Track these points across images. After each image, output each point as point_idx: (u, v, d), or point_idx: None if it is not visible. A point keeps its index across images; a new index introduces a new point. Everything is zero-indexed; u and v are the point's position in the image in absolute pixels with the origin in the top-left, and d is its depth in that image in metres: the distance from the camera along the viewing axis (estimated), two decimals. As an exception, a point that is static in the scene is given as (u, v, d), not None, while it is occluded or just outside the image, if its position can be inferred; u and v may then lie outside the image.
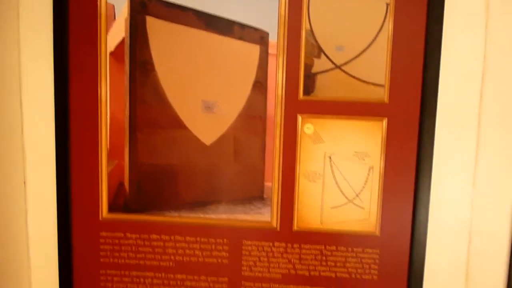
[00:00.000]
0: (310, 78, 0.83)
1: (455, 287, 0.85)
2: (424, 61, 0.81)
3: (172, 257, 0.89)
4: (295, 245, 0.86)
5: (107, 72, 0.85)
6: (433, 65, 0.80)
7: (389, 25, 0.81)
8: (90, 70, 0.85)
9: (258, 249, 0.87)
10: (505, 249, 0.83)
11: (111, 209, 0.88)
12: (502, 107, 0.81)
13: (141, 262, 0.89)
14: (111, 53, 0.85)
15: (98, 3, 0.83)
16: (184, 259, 0.88)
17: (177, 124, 0.85)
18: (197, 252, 0.88)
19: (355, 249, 0.86)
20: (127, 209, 0.88)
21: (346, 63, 0.82)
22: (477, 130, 0.82)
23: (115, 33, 0.84)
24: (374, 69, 0.82)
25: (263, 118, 0.84)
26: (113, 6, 0.84)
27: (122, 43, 0.84)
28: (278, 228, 0.86)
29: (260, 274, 0.87)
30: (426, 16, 0.80)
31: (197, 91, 0.85)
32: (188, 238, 0.88)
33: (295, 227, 0.86)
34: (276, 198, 0.85)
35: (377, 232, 0.85)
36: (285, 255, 0.87)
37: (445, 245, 0.84)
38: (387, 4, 0.81)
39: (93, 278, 0.90)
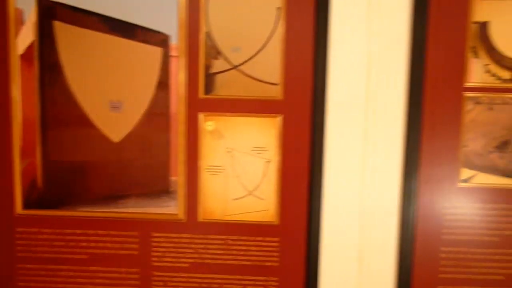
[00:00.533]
0: (210, 78, 0.89)
1: (348, 269, 0.91)
2: (313, 60, 0.87)
3: (85, 250, 0.93)
4: (201, 236, 0.92)
5: (18, 73, 0.89)
6: (322, 64, 0.87)
7: (281, 27, 0.87)
8: (1, 72, 0.89)
9: (166, 241, 0.92)
10: (393, 233, 0.90)
11: (26, 205, 0.92)
12: (385, 101, 0.88)
13: (56, 255, 0.93)
14: (22, 56, 0.89)
15: (7, 8, 0.88)
16: (97, 251, 0.93)
17: (86, 123, 0.90)
18: (108, 244, 0.93)
19: (256, 238, 0.91)
20: (41, 205, 0.92)
21: (242, 64, 0.88)
22: (364, 123, 0.88)
23: (24, 36, 0.88)
24: (269, 68, 0.88)
25: (167, 116, 0.90)
26: (22, 10, 0.88)
27: (31, 46, 0.89)
28: (185, 220, 0.91)
29: (169, 264, 0.92)
30: (314, 19, 0.86)
31: (105, 92, 0.89)
32: (100, 232, 0.93)
33: (200, 219, 0.91)
34: (181, 191, 0.91)
35: (277, 222, 0.90)
36: (192, 246, 0.92)
37: (339, 231, 0.90)
38: (278, 8, 0.87)
39: (10, 272, 0.94)
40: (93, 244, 0.92)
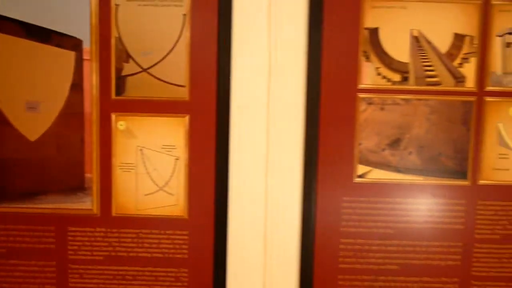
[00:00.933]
0: (121, 80, 0.94)
1: (255, 260, 0.96)
2: (217, 63, 0.93)
3: (4, 244, 0.97)
4: (114, 230, 0.97)
5: None
6: (225, 67, 0.93)
7: (187, 33, 0.93)
8: None
9: (82, 235, 0.97)
10: (295, 226, 0.96)
11: None
12: (285, 102, 0.94)
13: (-23, 250, 0.98)
14: None
15: None
16: (16, 245, 0.97)
17: (4, 122, 0.95)
18: (27, 239, 0.97)
19: (167, 232, 0.97)
20: (-38, 201, 0.96)
21: (151, 67, 0.94)
22: (266, 123, 0.94)
23: None
24: (176, 71, 0.94)
25: (81, 116, 0.95)
26: None
27: (-49, 50, 0.93)
28: (99, 215, 0.96)
29: (84, 257, 0.97)
30: (218, 25, 0.92)
31: (21, 93, 0.94)
32: (19, 227, 0.97)
33: (113, 213, 0.96)
34: (95, 187, 0.96)
35: (186, 216, 0.96)
36: (106, 239, 0.97)
37: (245, 225, 0.96)
38: (184, 15, 0.93)
39: None
40: (11, 239, 0.97)
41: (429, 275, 0.97)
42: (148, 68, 0.93)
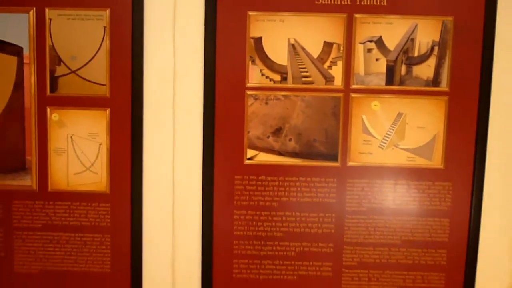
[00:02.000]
0: (54, 80, 1.16)
1: (165, 223, 1.18)
2: (132, 67, 1.15)
3: (-38, 214, 1.20)
4: (50, 203, 1.19)
5: None
6: (138, 69, 1.15)
7: (107, 41, 1.15)
8: None
9: (23, 207, 1.20)
10: (198, 200, 1.17)
11: None
12: (188, 100, 1.16)
13: None
14: None
15: None
16: (-29, 215, 1.20)
17: (-40, 115, 1.17)
18: (-21, 210, 1.20)
19: (93, 204, 1.19)
20: None
21: (78, 69, 1.16)
22: (173, 114, 1.16)
23: None
24: (99, 72, 1.16)
25: (22, 110, 1.18)
26: None
27: None
28: (37, 190, 1.19)
29: (26, 225, 1.20)
30: (131, 35, 1.15)
31: (-26, 91, 1.17)
32: (-27, 200, 1.20)
33: (49, 189, 1.19)
34: (34, 168, 1.18)
35: (108, 191, 1.18)
36: (44, 210, 1.19)
37: (156, 200, 1.18)
38: (104, 27, 1.15)
39: None
40: (-33, 210, 1.20)
41: (308, 240, 1.18)
42: (76, 70, 1.16)
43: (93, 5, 1.13)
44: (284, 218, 1.17)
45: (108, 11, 1.13)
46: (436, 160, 1.15)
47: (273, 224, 1.17)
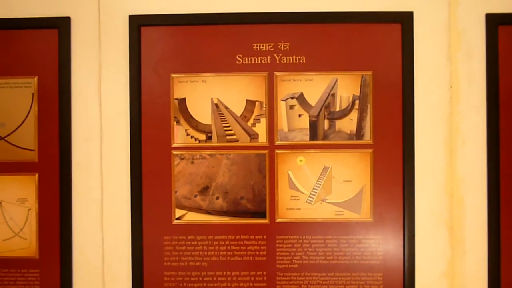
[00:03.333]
0: (-16, 147, 1.18)
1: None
2: (59, 131, 1.16)
3: None
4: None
5: None
6: (66, 133, 1.16)
7: (35, 107, 1.18)
8: None
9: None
10: (128, 262, 1.16)
11: None
12: (116, 161, 1.17)
13: None
14: None
15: None
16: None
17: None
18: None
19: (22, 271, 1.18)
20: None
21: (7, 135, 1.18)
22: (101, 176, 1.17)
23: None
24: (27, 138, 1.17)
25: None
26: None
27: None
28: (-33, 258, 1.18)
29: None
30: (59, 100, 1.17)
31: None
32: None
33: (-21, 256, 1.18)
34: (-36, 235, 1.18)
35: (37, 256, 1.17)
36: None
37: (85, 260, 1.17)
38: (33, 94, 1.18)
39: None
40: None
41: (240, 301, 1.15)
42: (5, 136, 1.17)
43: (22, 73, 1.16)
44: (215, 278, 1.15)
45: (36, 78, 1.16)
46: (364, 213, 1.14)
47: (204, 285, 1.15)
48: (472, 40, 1.15)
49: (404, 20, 1.14)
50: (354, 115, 1.14)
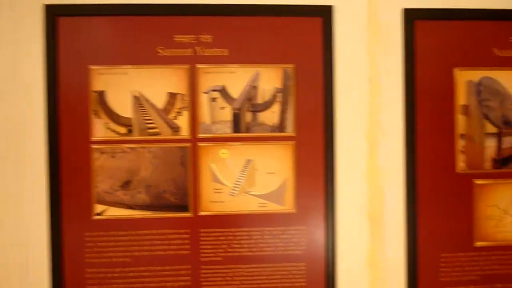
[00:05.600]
0: None
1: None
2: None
3: None
4: None
5: None
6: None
7: None
8: None
9: None
10: (46, 258, 1.12)
11: None
12: (30, 154, 1.12)
13: None
14: None
15: None
16: None
17: None
18: None
19: None
20: None
21: None
22: (20, 180, 1.12)
23: None
24: None
25: None
26: None
27: None
28: None
29: None
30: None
31: None
32: None
33: None
34: None
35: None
36: None
37: (6, 264, 1.12)
38: None
39: None
40: None
41: (164, 295, 1.14)
42: None
43: None
44: (138, 274, 1.13)
45: None
46: (288, 205, 1.15)
47: (128, 280, 1.13)
48: (391, 34, 1.18)
49: (325, 13, 1.16)
50: (276, 108, 1.15)
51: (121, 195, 1.13)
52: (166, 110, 1.13)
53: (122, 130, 1.12)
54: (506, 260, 1.20)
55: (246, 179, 1.14)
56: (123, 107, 1.12)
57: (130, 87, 1.13)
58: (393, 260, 1.18)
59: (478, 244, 1.20)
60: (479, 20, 1.20)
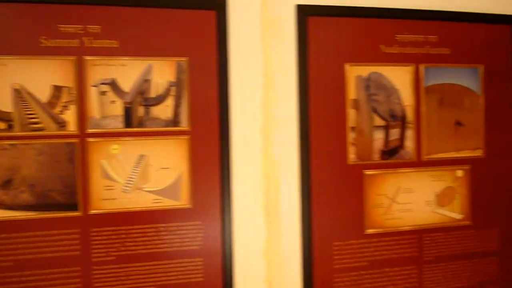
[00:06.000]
0: None
1: None
2: None
3: None
4: None
5: None
6: None
7: None
8: None
9: None
10: None
11: None
12: None
13: None
14: None
15: None
16: None
17: None
18: None
19: None
20: None
21: None
22: None
23: None
24: None
25: None
26: None
27: None
28: None
29: None
30: None
31: None
32: None
33: None
34: None
35: None
36: None
37: None
38: None
39: None
40: None
41: (52, 299, 1.08)
42: None
43: None
44: (23, 279, 1.07)
45: None
46: (183, 200, 1.14)
47: (11, 286, 1.06)
48: (285, 29, 1.20)
49: (219, 7, 1.15)
50: (170, 102, 1.13)
51: (1, 195, 1.05)
52: (51, 104, 1.07)
53: (1, 125, 1.05)
54: (393, 246, 1.27)
55: (139, 175, 1.11)
56: (2, 100, 1.05)
57: (9, 79, 1.05)
58: (289, 250, 1.21)
59: (369, 231, 1.25)
60: (368, 17, 1.25)
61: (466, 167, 1.33)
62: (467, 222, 1.33)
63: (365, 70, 1.25)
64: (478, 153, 1.34)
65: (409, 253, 1.29)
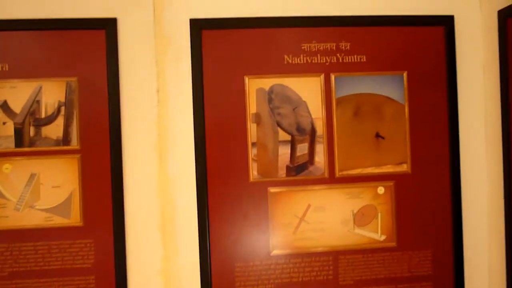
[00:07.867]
0: None
1: None
2: None
3: None
4: None
5: None
6: None
7: None
8: None
9: None
10: None
11: None
12: None
13: None
14: None
15: None
16: None
17: None
18: None
19: None
20: None
21: None
22: None
23: None
24: None
25: None
26: None
27: None
28: None
29: None
30: None
31: None
32: None
33: None
34: None
35: None
36: None
37: None
38: None
39: None
40: None
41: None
42: None
43: None
44: None
45: None
46: (74, 218, 1.15)
47: None
48: (180, 44, 1.18)
49: (108, 26, 1.16)
50: (60, 121, 1.15)
51: None
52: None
53: None
54: (304, 268, 1.20)
55: (30, 194, 1.14)
56: None
57: None
58: (188, 269, 1.18)
59: (275, 252, 1.19)
60: (270, 28, 1.20)
61: (390, 183, 1.22)
62: (392, 244, 1.22)
63: (267, 83, 1.19)
64: (403, 167, 1.22)
65: (323, 276, 1.20)
